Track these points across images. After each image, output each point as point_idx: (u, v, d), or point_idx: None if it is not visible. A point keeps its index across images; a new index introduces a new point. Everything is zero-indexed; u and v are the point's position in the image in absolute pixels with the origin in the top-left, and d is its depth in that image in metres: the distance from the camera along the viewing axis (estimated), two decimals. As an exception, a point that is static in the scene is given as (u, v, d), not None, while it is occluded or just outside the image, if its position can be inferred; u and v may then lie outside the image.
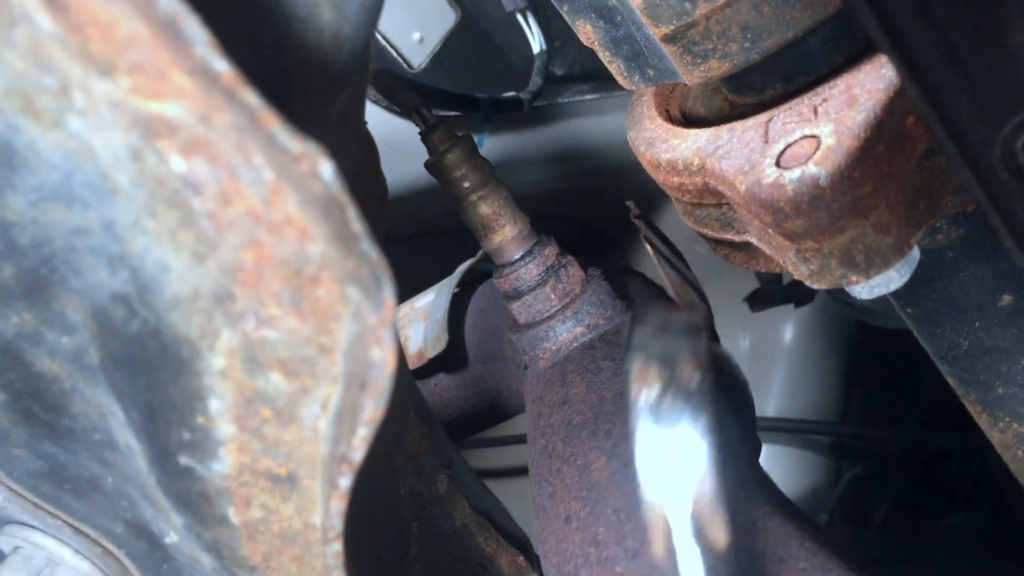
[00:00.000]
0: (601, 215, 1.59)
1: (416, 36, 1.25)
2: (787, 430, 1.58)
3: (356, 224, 0.29)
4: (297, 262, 0.30)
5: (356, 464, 0.34)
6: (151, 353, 0.34)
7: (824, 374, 1.64)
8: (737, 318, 1.64)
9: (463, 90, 1.10)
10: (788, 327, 1.64)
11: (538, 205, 1.19)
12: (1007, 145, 0.37)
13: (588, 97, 1.32)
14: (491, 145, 1.29)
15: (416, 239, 1.40)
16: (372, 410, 0.31)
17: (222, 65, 0.27)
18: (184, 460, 0.38)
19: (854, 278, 0.49)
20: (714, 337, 0.84)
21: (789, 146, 0.49)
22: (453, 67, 1.28)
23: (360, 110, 0.47)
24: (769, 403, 1.64)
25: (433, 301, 1.02)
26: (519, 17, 1.20)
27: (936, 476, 1.59)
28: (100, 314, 0.34)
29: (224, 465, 0.37)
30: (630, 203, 0.90)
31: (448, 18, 1.26)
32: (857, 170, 0.47)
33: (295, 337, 0.32)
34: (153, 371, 0.35)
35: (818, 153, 0.47)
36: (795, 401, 1.64)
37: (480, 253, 1.01)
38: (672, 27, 0.52)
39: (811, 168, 0.47)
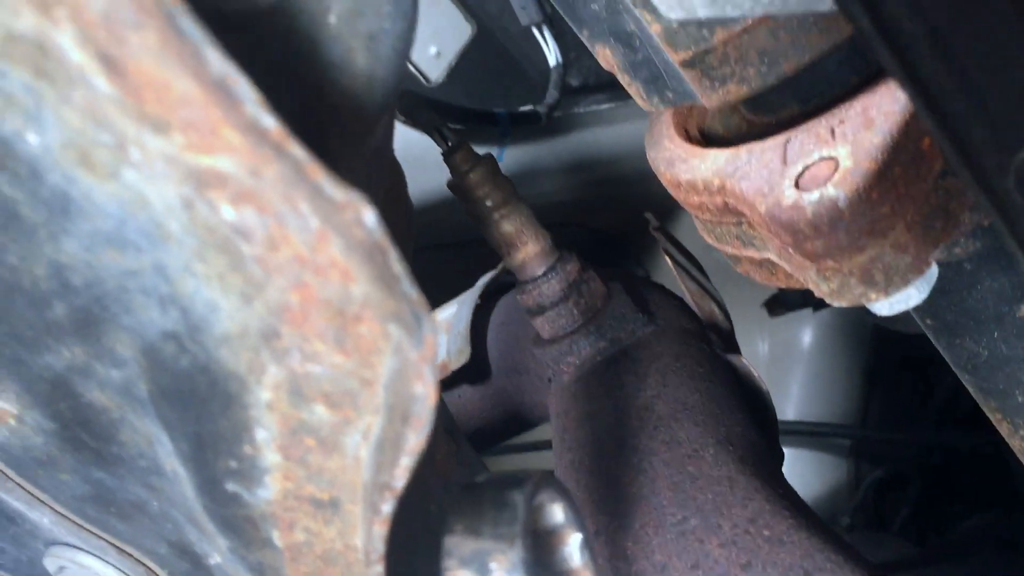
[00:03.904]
0: (618, 223, 1.60)
1: (433, 50, 1.26)
2: (807, 433, 1.58)
3: (397, 266, 0.31)
4: (341, 302, 0.32)
5: (398, 491, 0.35)
6: (200, 387, 0.36)
7: (843, 377, 1.65)
8: (756, 323, 1.64)
9: (479, 102, 1.11)
10: (807, 331, 1.65)
11: (556, 214, 1.20)
12: (1022, 170, 0.38)
13: (604, 107, 1.33)
14: (508, 156, 1.30)
15: (436, 250, 1.41)
16: (415, 441, 0.33)
17: (270, 122, 0.28)
18: (231, 487, 0.39)
19: (874, 296, 0.50)
20: (734, 347, 0.85)
21: (807, 168, 0.50)
22: (470, 80, 1.29)
23: (389, 143, 0.49)
24: (788, 407, 1.64)
25: (455, 313, 1.04)
26: (535, 31, 1.21)
27: (957, 478, 1.59)
28: (150, 350, 0.36)
29: (270, 491, 0.39)
30: (649, 215, 0.91)
31: (464, 32, 1.27)
32: (875, 192, 0.48)
33: (338, 371, 0.34)
34: (202, 404, 0.36)
35: (836, 175, 0.48)
36: (814, 405, 1.64)
37: (501, 265, 1.02)
38: (690, 53, 0.53)
39: (830, 190, 0.48)
